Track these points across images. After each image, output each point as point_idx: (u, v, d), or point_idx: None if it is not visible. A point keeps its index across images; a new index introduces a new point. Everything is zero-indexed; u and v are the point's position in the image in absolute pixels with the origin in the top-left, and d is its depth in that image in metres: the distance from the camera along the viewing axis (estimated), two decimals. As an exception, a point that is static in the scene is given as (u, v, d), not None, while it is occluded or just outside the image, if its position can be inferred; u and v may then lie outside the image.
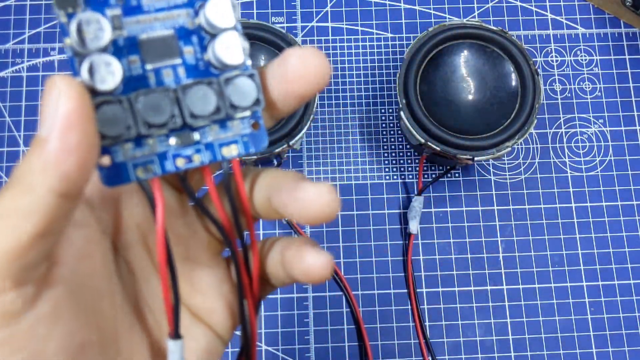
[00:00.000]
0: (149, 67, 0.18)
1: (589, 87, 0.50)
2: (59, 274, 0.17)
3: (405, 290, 0.45)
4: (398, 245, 0.46)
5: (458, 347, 0.44)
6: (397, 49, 0.50)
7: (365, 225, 0.46)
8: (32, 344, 0.16)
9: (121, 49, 0.17)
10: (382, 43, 0.50)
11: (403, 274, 0.46)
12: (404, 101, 0.43)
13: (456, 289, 0.45)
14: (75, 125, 0.15)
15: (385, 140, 0.48)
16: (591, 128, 0.49)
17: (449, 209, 0.47)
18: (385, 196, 0.47)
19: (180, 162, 0.18)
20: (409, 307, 0.45)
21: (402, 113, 0.43)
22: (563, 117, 0.49)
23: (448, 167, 0.46)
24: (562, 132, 0.49)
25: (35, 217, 0.15)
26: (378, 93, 0.49)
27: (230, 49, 0.18)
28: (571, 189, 0.48)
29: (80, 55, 0.17)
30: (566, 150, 0.48)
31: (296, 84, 0.18)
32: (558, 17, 0.51)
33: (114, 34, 0.17)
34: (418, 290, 0.45)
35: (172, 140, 0.18)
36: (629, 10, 0.50)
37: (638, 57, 0.50)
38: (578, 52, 0.50)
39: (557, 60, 0.50)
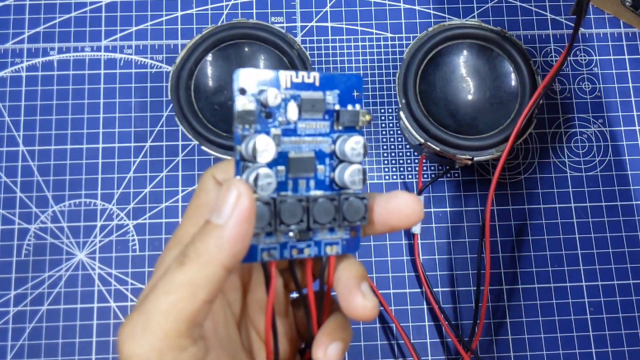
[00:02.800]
0: (290, 176, 0.23)
1: (588, 87, 0.50)
2: (207, 329, 0.22)
3: (405, 290, 0.45)
4: (398, 245, 0.46)
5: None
6: (397, 49, 0.50)
7: (365, 225, 0.46)
8: None
9: (275, 160, 0.23)
10: (382, 43, 0.50)
11: (404, 274, 0.45)
12: (403, 101, 0.43)
13: (456, 289, 0.45)
14: (248, 218, 0.20)
15: (384, 140, 0.48)
16: (590, 128, 0.49)
17: (448, 209, 0.47)
18: (384, 196, 0.47)
19: (294, 252, 0.23)
20: (410, 307, 0.45)
21: (401, 113, 0.43)
22: (562, 117, 0.49)
23: (447, 167, 0.46)
24: (561, 132, 0.49)
25: (209, 287, 0.20)
26: (377, 93, 0.49)
27: (355, 178, 0.23)
28: (571, 189, 0.48)
29: (246, 162, 0.22)
30: (566, 150, 0.48)
31: (393, 216, 0.24)
32: (558, 17, 0.51)
33: (275, 152, 0.22)
34: (417, 290, 0.45)
35: (293, 235, 0.23)
36: (628, 10, 0.50)
37: (638, 57, 0.50)
38: (577, 52, 0.50)
39: (556, 60, 0.50)
